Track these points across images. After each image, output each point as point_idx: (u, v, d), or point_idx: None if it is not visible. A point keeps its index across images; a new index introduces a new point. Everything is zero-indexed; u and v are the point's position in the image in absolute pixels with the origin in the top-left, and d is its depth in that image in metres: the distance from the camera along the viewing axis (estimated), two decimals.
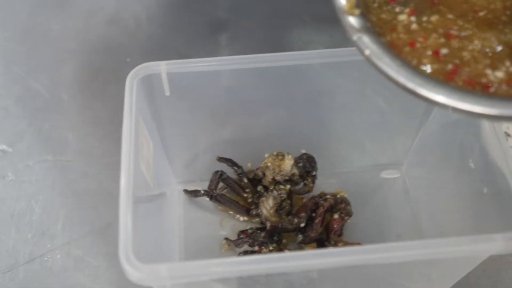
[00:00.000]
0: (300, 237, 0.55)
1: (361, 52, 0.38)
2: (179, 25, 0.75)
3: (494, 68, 0.36)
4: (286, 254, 0.42)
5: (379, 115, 0.60)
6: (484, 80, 0.36)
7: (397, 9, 0.39)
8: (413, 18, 0.39)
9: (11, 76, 0.70)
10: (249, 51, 0.72)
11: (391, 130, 0.62)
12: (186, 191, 0.61)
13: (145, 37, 0.74)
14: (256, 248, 0.55)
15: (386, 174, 0.64)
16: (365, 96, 0.59)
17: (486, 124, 0.47)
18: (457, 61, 0.37)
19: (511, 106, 0.35)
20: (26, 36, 0.74)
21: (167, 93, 0.51)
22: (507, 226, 0.42)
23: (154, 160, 0.53)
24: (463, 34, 0.38)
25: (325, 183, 0.62)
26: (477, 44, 0.37)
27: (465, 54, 0.37)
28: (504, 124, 0.63)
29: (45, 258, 0.58)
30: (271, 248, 0.55)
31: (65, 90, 0.69)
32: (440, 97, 0.35)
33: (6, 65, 0.71)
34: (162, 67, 0.48)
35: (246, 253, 0.55)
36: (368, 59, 0.38)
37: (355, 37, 0.38)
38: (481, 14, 0.39)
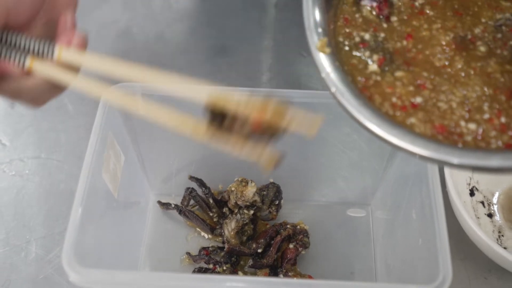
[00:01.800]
0: (250, 261, 0.58)
1: (328, 88, 0.40)
2: (184, 46, 0.79)
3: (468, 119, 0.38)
4: (219, 276, 0.45)
5: (357, 154, 0.62)
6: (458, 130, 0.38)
7: (367, 54, 0.41)
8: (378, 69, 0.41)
9: None
10: (244, 77, 0.76)
11: (363, 170, 0.64)
12: (159, 202, 0.65)
13: (151, 53, 0.78)
14: (211, 266, 0.59)
15: (352, 212, 0.66)
16: (344, 133, 0.61)
17: (428, 179, 0.49)
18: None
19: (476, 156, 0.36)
20: None
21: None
22: (429, 278, 0.45)
23: (126, 172, 0.57)
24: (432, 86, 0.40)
25: (292, 212, 0.65)
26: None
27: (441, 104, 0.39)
28: (474, 178, 0.65)
29: (22, 248, 0.63)
30: (224, 268, 0.58)
31: (68, 95, 0.74)
32: (394, 139, 0.37)
33: None
34: (137, 89, 0.52)
35: (200, 269, 0.59)
36: (333, 96, 0.40)
37: (323, 74, 0.40)
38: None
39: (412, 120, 0.38)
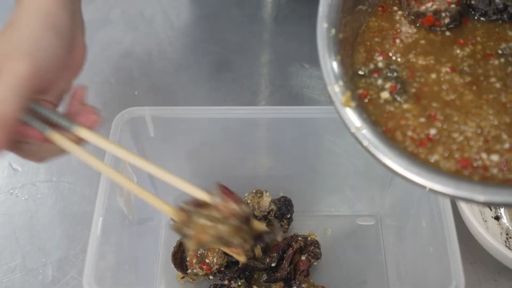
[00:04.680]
0: (264, 276, 0.59)
1: (360, 143, 0.38)
2: (187, 62, 0.80)
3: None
4: None
5: (363, 163, 0.63)
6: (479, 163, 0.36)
7: (379, 82, 0.41)
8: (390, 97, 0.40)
9: None
10: (248, 91, 0.77)
11: (370, 178, 0.65)
12: (172, 219, 0.66)
13: (155, 71, 0.79)
14: (226, 282, 0.60)
15: (362, 221, 0.67)
16: (349, 143, 0.62)
17: None
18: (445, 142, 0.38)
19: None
20: None
21: (152, 134, 0.56)
22: (442, 285, 0.46)
23: None
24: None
25: (302, 224, 0.66)
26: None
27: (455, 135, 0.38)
28: None
29: (39, 271, 0.64)
30: (239, 283, 0.59)
31: None
32: (430, 184, 0.35)
33: None
34: (146, 112, 0.54)
35: (215, 286, 0.60)
36: (366, 150, 0.37)
37: (353, 129, 0.38)
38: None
39: (436, 157, 0.37)
